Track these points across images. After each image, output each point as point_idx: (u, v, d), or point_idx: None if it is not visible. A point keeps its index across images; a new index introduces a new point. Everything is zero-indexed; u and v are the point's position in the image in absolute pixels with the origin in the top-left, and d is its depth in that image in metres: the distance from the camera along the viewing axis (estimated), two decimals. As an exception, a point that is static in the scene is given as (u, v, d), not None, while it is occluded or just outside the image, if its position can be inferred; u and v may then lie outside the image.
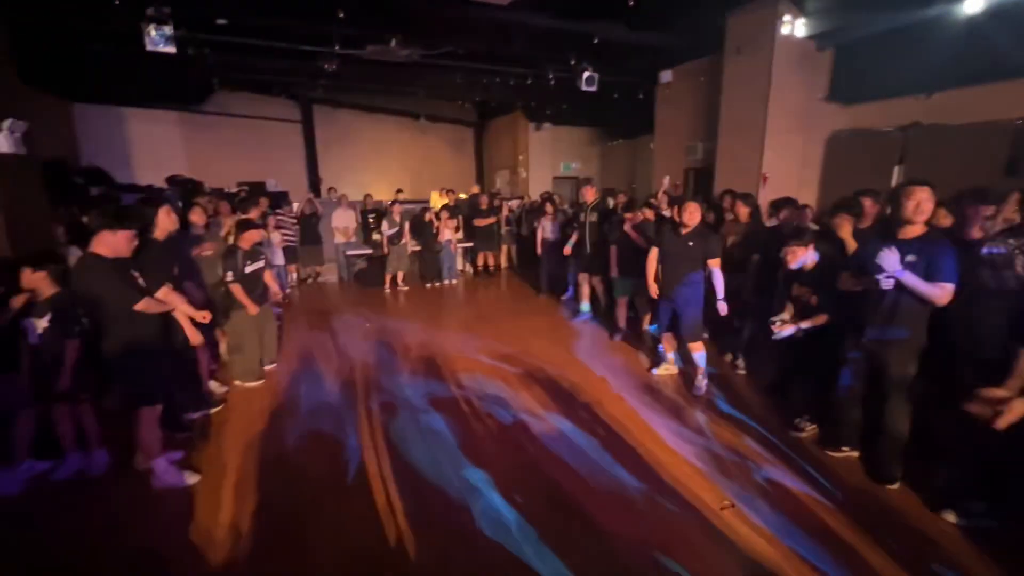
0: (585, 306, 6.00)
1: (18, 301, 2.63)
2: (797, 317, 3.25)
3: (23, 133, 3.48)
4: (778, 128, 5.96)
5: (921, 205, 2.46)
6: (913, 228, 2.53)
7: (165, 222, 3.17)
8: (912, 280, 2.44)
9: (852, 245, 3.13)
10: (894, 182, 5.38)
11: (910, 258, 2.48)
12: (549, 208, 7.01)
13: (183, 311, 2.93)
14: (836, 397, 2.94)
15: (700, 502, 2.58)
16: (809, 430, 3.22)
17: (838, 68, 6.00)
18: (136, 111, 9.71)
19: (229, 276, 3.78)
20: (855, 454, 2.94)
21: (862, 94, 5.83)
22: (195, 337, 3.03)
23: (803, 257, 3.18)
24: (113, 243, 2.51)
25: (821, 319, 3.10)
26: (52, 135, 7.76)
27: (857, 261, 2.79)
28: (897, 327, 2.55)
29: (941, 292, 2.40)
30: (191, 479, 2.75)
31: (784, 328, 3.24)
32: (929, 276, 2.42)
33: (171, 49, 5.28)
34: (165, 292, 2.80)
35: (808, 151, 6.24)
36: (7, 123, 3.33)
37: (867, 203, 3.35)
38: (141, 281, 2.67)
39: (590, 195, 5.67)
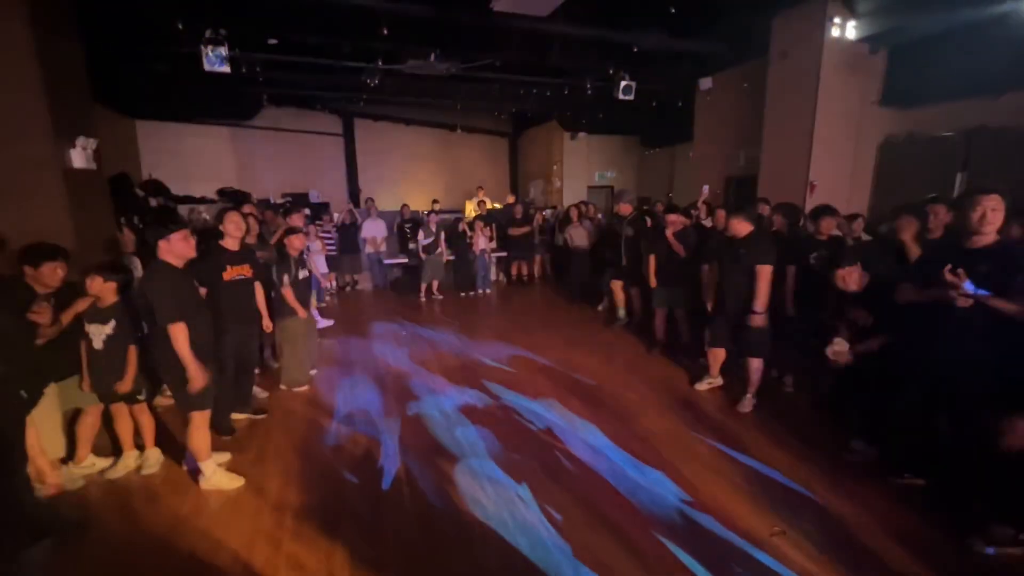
0: (621, 312, 5.92)
1: (82, 305, 2.78)
2: (852, 339, 3.04)
3: (93, 149, 3.73)
4: (827, 134, 5.70)
5: (987, 215, 2.29)
6: (983, 238, 2.35)
7: (233, 230, 3.33)
8: (994, 300, 2.24)
9: (914, 251, 2.94)
10: (956, 190, 5.06)
11: (981, 268, 2.30)
12: (574, 214, 6.97)
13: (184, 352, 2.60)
14: (898, 418, 2.74)
15: (748, 526, 2.45)
16: (867, 453, 3.02)
17: (892, 70, 5.71)
18: (191, 127, 10.30)
19: (285, 280, 3.90)
20: (919, 481, 2.73)
21: (919, 97, 5.51)
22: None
23: (858, 278, 2.96)
24: (171, 249, 2.60)
25: (876, 343, 2.89)
26: (118, 151, 8.32)
27: (922, 272, 2.61)
28: (970, 343, 2.36)
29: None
30: (236, 483, 2.82)
31: (841, 356, 2.99)
32: (1006, 290, 2.23)
33: (226, 69, 5.58)
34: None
35: (859, 158, 5.95)
36: (80, 140, 3.58)
37: (941, 211, 3.13)
38: (202, 291, 2.77)
39: (626, 210, 5.65)
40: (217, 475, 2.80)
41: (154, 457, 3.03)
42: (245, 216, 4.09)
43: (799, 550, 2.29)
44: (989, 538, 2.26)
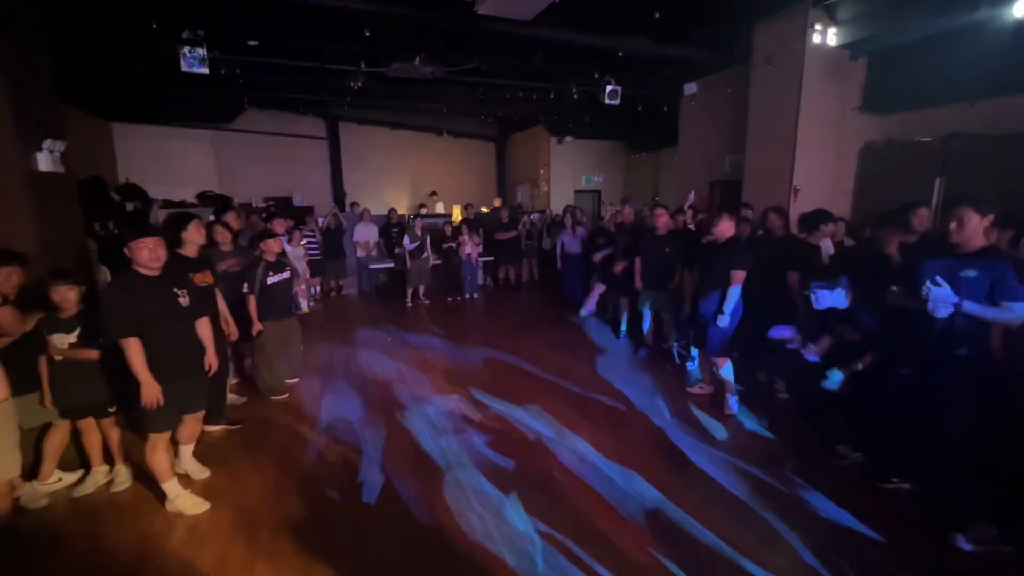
0: (590, 309, 6.08)
1: (35, 317, 2.64)
2: (836, 352, 3.00)
3: (61, 152, 3.59)
4: (809, 139, 5.77)
5: (962, 222, 2.30)
6: (971, 242, 2.36)
7: (195, 237, 3.20)
8: (976, 309, 2.23)
9: (896, 259, 2.96)
10: (935, 194, 5.14)
11: (969, 273, 2.30)
12: (568, 221, 6.97)
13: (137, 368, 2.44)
14: (885, 423, 2.74)
15: (738, 535, 2.42)
16: (852, 458, 3.01)
17: (872, 77, 5.80)
18: (170, 130, 10.07)
19: (244, 288, 3.78)
20: (906, 486, 2.73)
21: (898, 103, 5.61)
22: (213, 361, 2.86)
23: (832, 299, 2.92)
24: (137, 258, 2.46)
25: (867, 361, 2.86)
26: (91, 154, 8.10)
27: (906, 278, 2.61)
28: (956, 347, 2.36)
29: (1010, 315, 2.20)
30: (200, 508, 2.65)
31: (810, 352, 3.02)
32: (994, 296, 2.23)
33: (204, 70, 5.45)
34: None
35: (841, 163, 6.03)
36: (46, 143, 3.44)
37: (923, 213, 3.16)
38: (183, 300, 2.61)
39: (630, 216, 5.71)
40: (181, 498, 2.65)
41: (124, 473, 2.90)
42: (223, 225, 3.99)
43: (786, 559, 2.26)
44: (971, 536, 2.27)
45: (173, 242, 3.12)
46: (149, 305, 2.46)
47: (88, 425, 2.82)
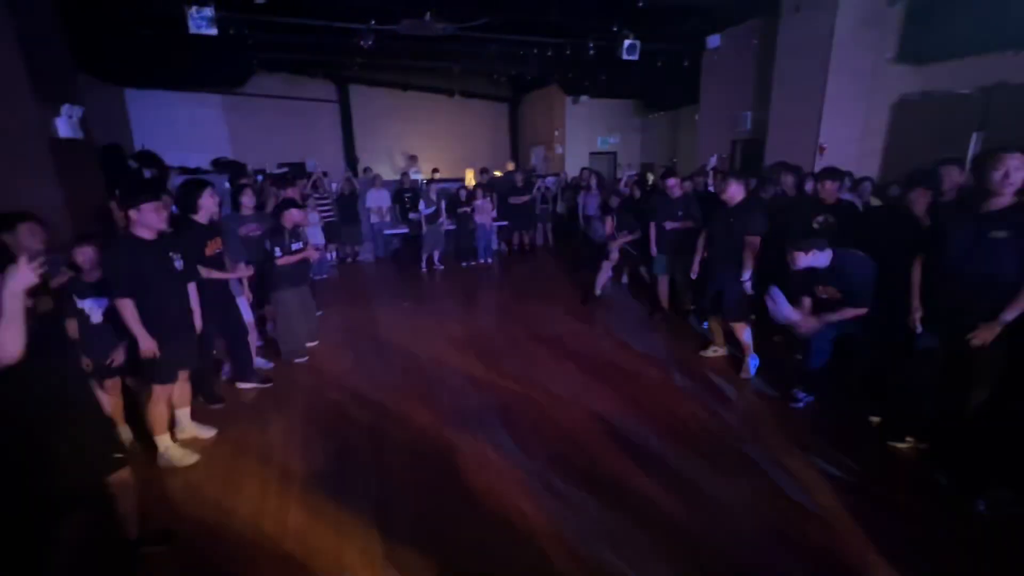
0: (604, 287, 5.77)
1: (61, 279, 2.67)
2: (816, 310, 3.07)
3: (80, 118, 3.61)
4: (839, 94, 5.49)
5: (1010, 174, 2.20)
6: (1000, 199, 2.26)
7: (209, 204, 3.22)
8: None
9: (925, 222, 2.85)
10: (971, 150, 4.89)
11: (1000, 234, 2.22)
12: (593, 182, 6.86)
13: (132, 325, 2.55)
14: (903, 383, 2.73)
15: (757, 495, 2.48)
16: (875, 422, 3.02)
17: (909, 24, 5.43)
18: (182, 95, 9.99)
19: (277, 251, 3.84)
20: (923, 446, 2.73)
21: (937, 52, 5.26)
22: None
23: (809, 260, 2.91)
24: (141, 220, 2.50)
25: (850, 312, 2.88)
26: (107, 121, 8.11)
27: (935, 242, 2.53)
28: (981, 309, 2.31)
29: None
30: (189, 459, 2.77)
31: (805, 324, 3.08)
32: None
33: (212, 31, 5.35)
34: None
35: (871, 118, 5.74)
36: (64, 108, 3.46)
37: (954, 172, 3.02)
38: (178, 263, 2.69)
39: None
40: (170, 451, 2.77)
41: (124, 435, 2.94)
42: (252, 189, 4.00)
43: (803, 516, 2.31)
44: (988, 500, 2.27)
45: (189, 208, 3.17)
46: (150, 268, 2.54)
47: (114, 386, 2.90)
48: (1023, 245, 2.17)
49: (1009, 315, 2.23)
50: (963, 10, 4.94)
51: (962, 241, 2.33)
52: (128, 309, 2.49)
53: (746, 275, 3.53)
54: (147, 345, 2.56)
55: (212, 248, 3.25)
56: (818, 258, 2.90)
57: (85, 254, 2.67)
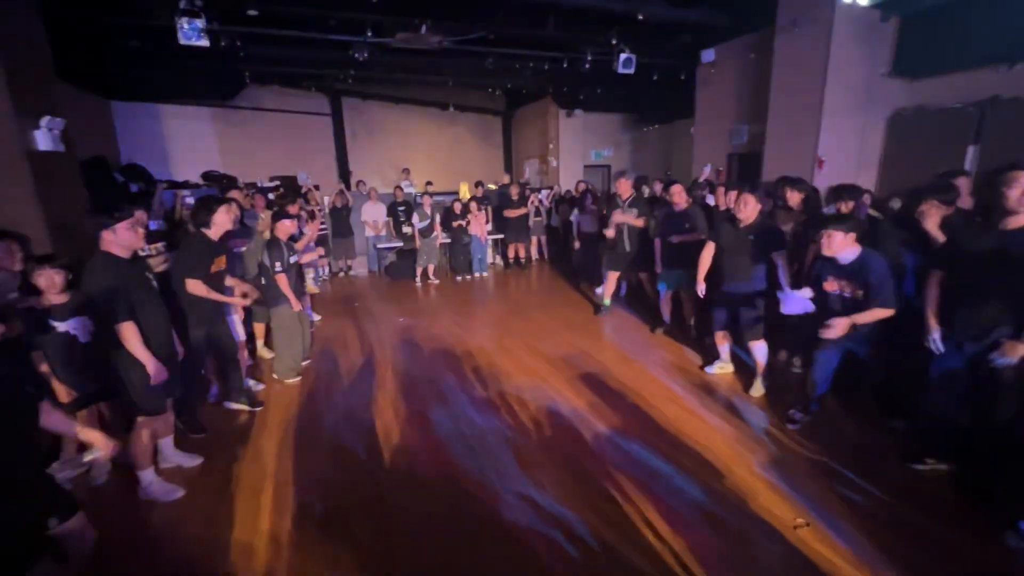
0: (607, 302, 5.60)
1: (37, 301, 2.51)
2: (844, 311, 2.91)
3: (60, 131, 3.46)
4: (835, 107, 5.51)
5: None
6: (1019, 218, 2.21)
7: (224, 221, 3.12)
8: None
9: (939, 238, 2.78)
10: (967, 163, 4.91)
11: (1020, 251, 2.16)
12: (589, 199, 6.79)
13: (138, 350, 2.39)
14: (923, 402, 2.63)
15: (771, 518, 2.35)
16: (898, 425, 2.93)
17: (903, 39, 5.49)
18: (171, 108, 9.83)
19: (278, 267, 3.70)
20: (943, 467, 2.64)
21: (931, 67, 5.31)
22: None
23: (839, 250, 2.81)
24: (115, 240, 2.34)
25: (878, 313, 2.74)
26: (92, 133, 7.92)
27: (951, 257, 2.46)
28: (1007, 326, 2.23)
29: None
30: (175, 494, 2.61)
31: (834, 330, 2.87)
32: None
33: (203, 43, 5.23)
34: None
35: (867, 132, 5.77)
36: (44, 120, 3.31)
37: (963, 183, 2.97)
38: (154, 283, 2.54)
39: (625, 189, 5.20)
40: (153, 486, 2.60)
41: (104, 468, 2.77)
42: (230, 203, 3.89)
43: (821, 543, 2.19)
44: (1019, 532, 2.15)
45: (202, 222, 3.08)
46: (134, 287, 2.38)
47: (89, 417, 2.70)
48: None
49: None
50: (956, 26, 4.99)
51: (987, 258, 2.26)
52: (131, 332, 2.31)
53: (787, 290, 3.32)
54: (156, 370, 2.39)
55: (217, 266, 3.15)
56: (848, 250, 2.81)
57: (47, 276, 2.46)
